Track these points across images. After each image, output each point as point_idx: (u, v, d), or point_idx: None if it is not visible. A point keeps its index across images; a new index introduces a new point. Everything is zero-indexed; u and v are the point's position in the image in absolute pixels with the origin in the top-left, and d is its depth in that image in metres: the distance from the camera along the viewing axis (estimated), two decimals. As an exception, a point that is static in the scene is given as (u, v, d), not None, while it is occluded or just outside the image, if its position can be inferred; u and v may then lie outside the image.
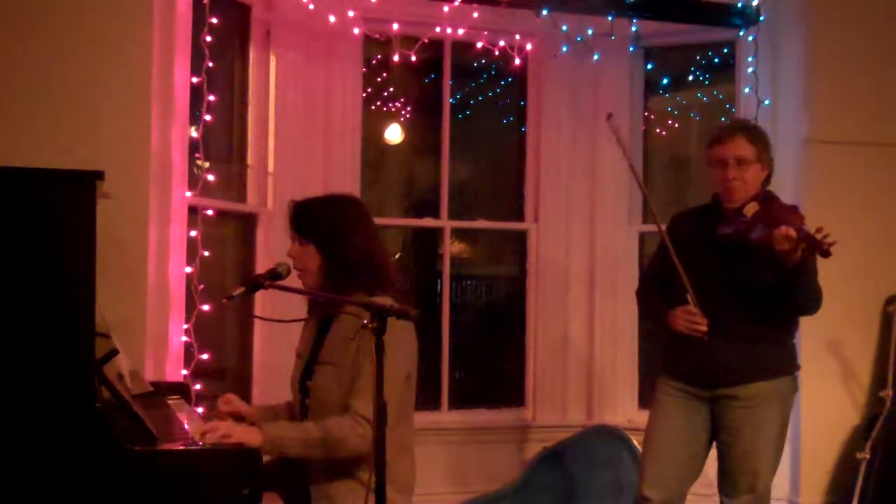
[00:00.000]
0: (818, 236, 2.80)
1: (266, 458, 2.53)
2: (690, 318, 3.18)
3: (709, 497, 3.56)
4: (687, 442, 3.26)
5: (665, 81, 5.08)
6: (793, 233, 2.84)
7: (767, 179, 3.28)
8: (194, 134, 3.86)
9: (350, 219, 2.74)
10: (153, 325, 3.56)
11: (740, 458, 3.17)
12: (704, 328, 3.16)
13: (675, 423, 3.27)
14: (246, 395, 4.27)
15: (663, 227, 3.35)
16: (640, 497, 3.27)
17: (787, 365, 3.24)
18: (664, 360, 3.41)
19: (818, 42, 4.38)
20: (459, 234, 5.03)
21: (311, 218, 2.74)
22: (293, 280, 2.71)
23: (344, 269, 2.67)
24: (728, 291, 3.15)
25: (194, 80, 3.82)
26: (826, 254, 2.81)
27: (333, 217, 2.74)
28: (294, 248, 2.74)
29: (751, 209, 3.13)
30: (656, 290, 3.42)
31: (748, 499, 3.18)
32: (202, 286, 3.82)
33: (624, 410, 4.85)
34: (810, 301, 3.14)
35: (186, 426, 2.64)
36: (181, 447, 2.37)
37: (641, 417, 4.74)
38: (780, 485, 4.27)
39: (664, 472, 3.25)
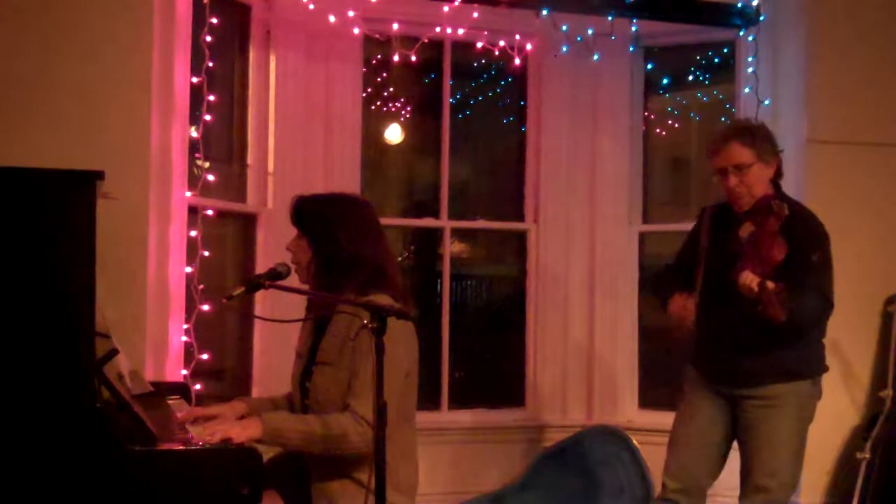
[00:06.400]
0: (774, 301, 2.84)
1: (266, 456, 2.53)
2: (683, 305, 3.21)
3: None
4: (711, 436, 3.31)
5: (665, 81, 5.07)
6: (754, 287, 2.89)
7: (778, 172, 3.29)
8: (194, 134, 3.86)
9: (345, 217, 2.74)
10: (153, 325, 3.56)
11: (755, 456, 3.19)
12: (689, 323, 3.18)
13: (700, 417, 3.32)
14: (246, 395, 4.26)
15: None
16: (662, 485, 3.33)
17: (805, 368, 3.24)
18: (693, 352, 3.42)
19: (818, 42, 4.38)
20: (459, 234, 5.02)
21: (306, 212, 2.77)
22: (293, 280, 2.72)
23: (332, 266, 2.69)
24: (739, 297, 3.08)
25: (194, 80, 3.82)
26: (773, 318, 2.87)
27: (327, 214, 2.75)
28: (293, 240, 2.79)
29: (746, 230, 3.14)
30: (671, 277, 3.46)
31: (761, 499, 3.17)
32: (202, 286, 3.82)
33: (624, 410, 4.84)
34: (799, 328, 3.10)
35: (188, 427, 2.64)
36: (181, 447, 2.37)
37: (641, 417, 4.77)
38: (779, 485, 4.28)
39: (686, 463, 3.32)
